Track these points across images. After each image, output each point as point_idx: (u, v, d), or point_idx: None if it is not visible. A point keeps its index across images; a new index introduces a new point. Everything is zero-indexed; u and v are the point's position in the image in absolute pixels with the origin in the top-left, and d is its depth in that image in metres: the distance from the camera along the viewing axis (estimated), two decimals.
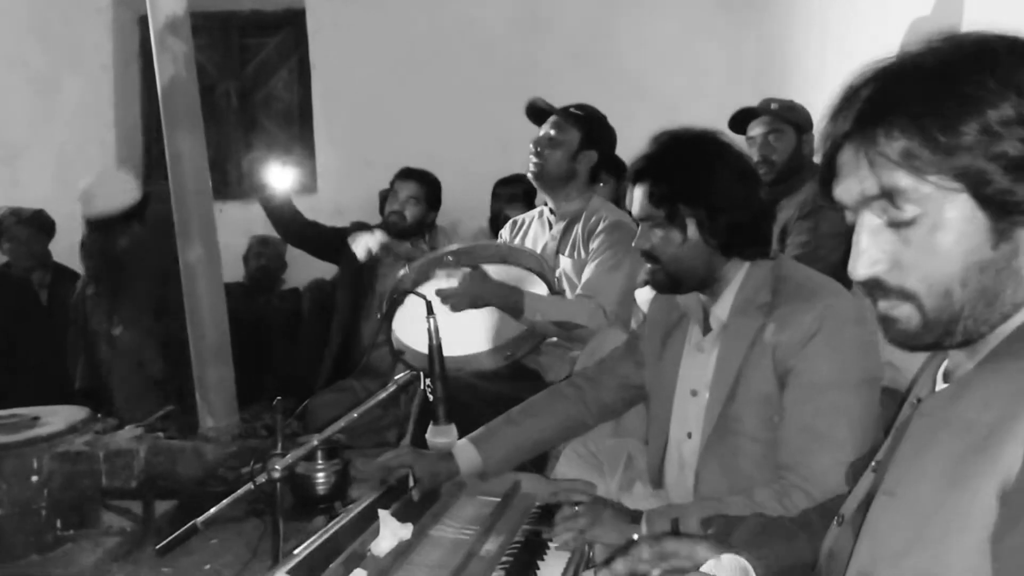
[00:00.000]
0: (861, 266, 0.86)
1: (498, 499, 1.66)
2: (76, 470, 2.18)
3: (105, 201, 3.69)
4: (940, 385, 0.93)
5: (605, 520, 1.47)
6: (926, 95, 0.81)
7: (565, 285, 2.72)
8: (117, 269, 3.71)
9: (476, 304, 2.45)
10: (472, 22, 4.96)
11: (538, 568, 1.43)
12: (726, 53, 4.68)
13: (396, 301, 2.36)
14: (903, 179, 0.82)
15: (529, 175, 2.85)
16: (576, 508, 1.51)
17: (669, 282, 1.72)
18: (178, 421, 3.05)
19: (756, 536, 1.20)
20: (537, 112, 2.89)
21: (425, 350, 1.67)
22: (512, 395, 2.12)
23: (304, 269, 4.65)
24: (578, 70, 4.66)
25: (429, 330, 1.65)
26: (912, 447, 0.88)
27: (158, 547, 1.62)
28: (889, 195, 0.83)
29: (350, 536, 1.41)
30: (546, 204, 2.90)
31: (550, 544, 1.49)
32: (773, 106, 3.02)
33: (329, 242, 3.79)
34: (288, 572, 1.24)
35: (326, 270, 4.32)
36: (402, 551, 1.39)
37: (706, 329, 1.75)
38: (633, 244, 1.75)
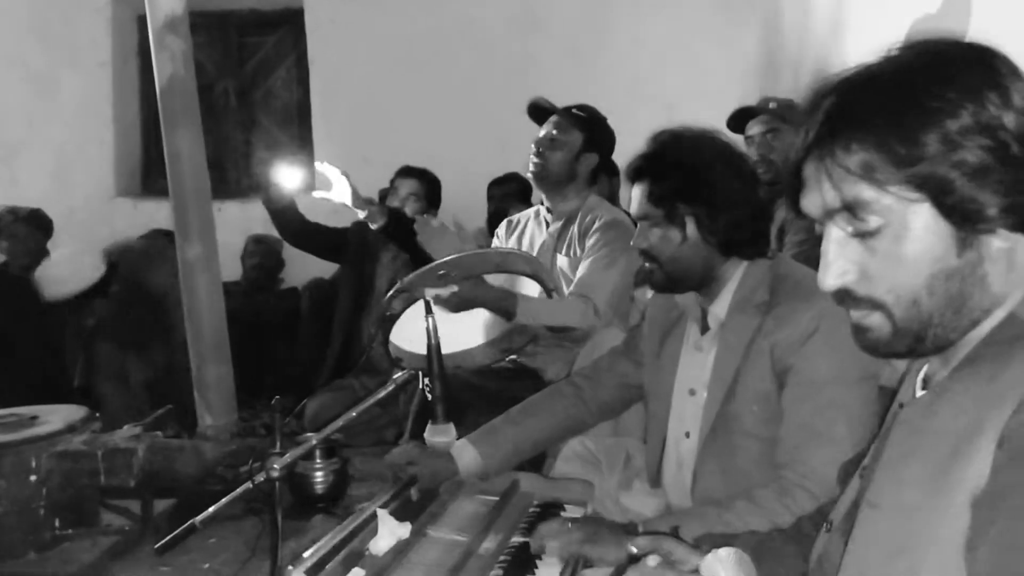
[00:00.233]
0: (830, 277, 0.86)
1: (496, 498, 1.66)
2: (74, 469, 2.17)
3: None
4: (919, 391, 0.94)
5: (602, 537, 1.41)
6: (884, 107, 0.81)
7: (563, 283, 2.71)
8: (90, 342, 3.69)
9: (469, 307, 2.46)
10: (471, 21, 4.96)
11: (536, 567, 1.42)
12: (725, 52, 4.67)
13: (391, 319, 2.38)
14: (865, 191, 0.82)
15: (529, 175, 2.84)
16: (569, 524, 1.48)
17: (667, 281, 1.72)
18: (177, 420, 3.05)
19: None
20: (538, 111, 2.87)
21: (422, 351, 1.67)
22: (512, 394, 2.12)
23: (303, 268, 4.65)
24: (576, 69, 4.66)
25: (427, 329, 1.65)
26: (893, 456, 0.88)
27: (157, 546, 1.62)
28: (851, 208, 0.83)
29: (348, 535, 1.41)
30: (543, 203, 2.90)
31: (541, 557, 1.46)
32: (772, 105, 3.02)
33: (330, 242, 3.79)
34: (306, 572, 1.25)
35: (325, 269, 4.32)
36: (400, 550, 1.39)
37: (704, 328, 1.75)
38: (632, 243, 1.75)
